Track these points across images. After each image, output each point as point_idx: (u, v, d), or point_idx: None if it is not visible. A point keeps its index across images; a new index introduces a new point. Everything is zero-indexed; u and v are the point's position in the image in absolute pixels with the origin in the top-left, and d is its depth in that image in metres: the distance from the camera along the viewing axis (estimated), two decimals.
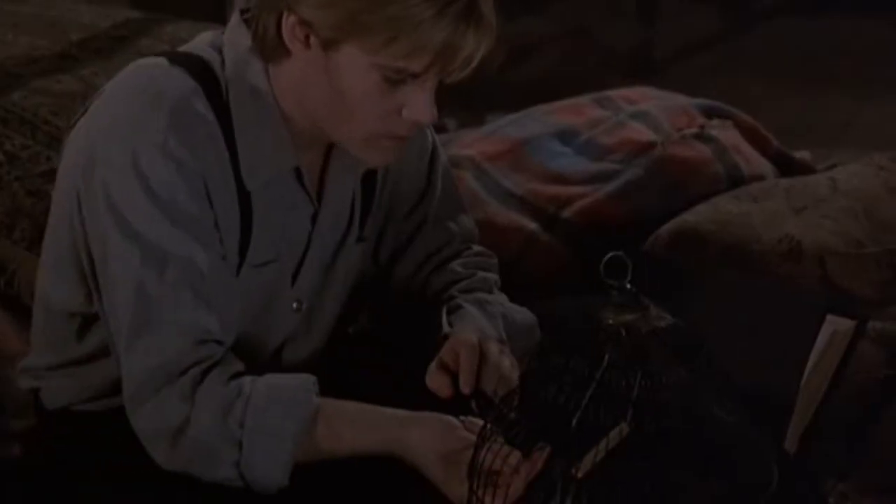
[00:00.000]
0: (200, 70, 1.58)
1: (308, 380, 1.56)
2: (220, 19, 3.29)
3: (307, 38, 1.52)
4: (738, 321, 2.00)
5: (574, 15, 4.55)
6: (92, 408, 1.69)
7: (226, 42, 1.60)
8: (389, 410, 1.56)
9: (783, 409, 1.83)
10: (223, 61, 1.59)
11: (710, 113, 2.58)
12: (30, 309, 2.09)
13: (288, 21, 1.53)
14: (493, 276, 1.86)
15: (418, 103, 1.54)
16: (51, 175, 2.26)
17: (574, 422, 1.34)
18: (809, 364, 1.85)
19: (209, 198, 1.56)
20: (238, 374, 1.56)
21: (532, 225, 2.32)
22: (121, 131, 1.54)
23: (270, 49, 1.56)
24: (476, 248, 1.88)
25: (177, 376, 1.53)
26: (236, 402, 1.53)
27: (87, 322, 1.66)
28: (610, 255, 1.40)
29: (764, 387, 1.82)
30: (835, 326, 1.85)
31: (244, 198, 1.60)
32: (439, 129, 2.27)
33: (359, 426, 1.55)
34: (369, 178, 1.73)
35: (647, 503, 1.37)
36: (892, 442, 1.84)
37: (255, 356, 1.64)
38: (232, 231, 1.60)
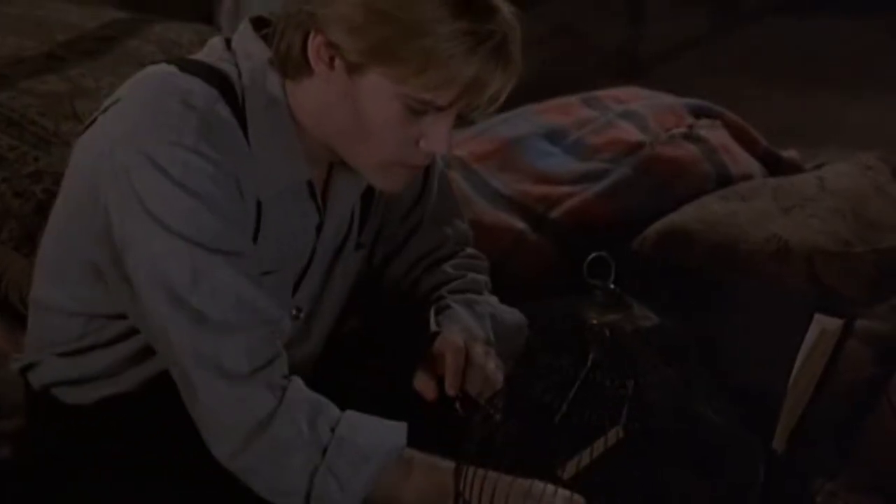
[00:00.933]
0: (217, 79, 1.56)
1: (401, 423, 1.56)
2: (208, 20, 3.29)
3: (332, 59, 1.52)
4: (726, 321, 2.00)
5: (563, 15, 4.56)
6: (79, 397, 1.68)
7: (238, 52, 1.59)
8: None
9: (771, 409, 1.84)
10: (239, 71, 1.58)
11: (698, 112, 2.58)
12: (16, 308, 2.10)
13: (314, 41, 1.52)
14: (484, 278, 1.86)
15: (437, 135, 1.54)
16: (38, 176, 2.26)
17: (556, 419, 1.34)
18: (797, 363, 1.85)
19: (241, 203, 1.55)
20: None
21: (520, 225, 2.32)
22: (149, 135, 1.51)
23: (293, 66, 1.55)
24: (469, 250, 1.88)
25: (255, 370, 1.51)
26: (329, 409, 1.52)
27: (89, 321, 1.64)
28: (593, 255, 1.40)
29: (752, 386, 1.82)
30: (823, 325, 1.85)
31: (258, 206, 1.59)
32: None
33: (421, 479, 1.53)
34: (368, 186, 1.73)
35: (634, 500, 1.38)
36: (879, 440, 1.85)
37: None
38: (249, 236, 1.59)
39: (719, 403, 1.46)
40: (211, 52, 1.62)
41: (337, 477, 1.50)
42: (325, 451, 1.50)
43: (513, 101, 2.62)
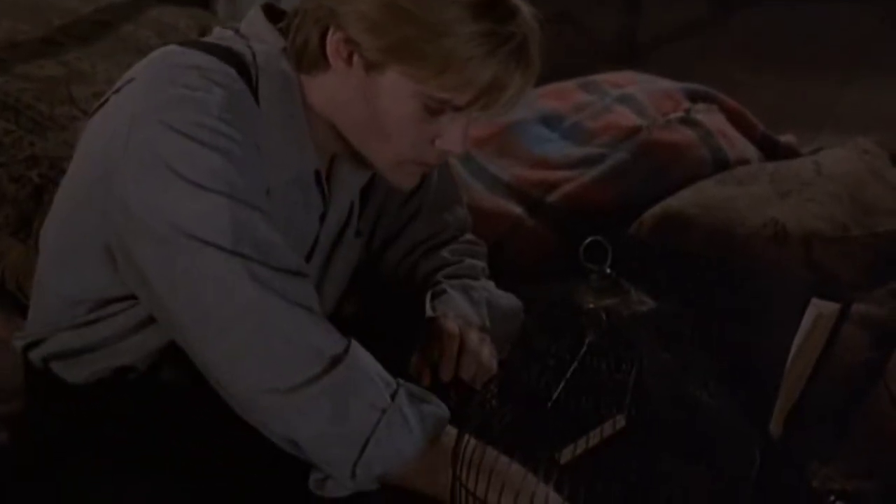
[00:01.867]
0: (232, 58, 1.54)
1: None
2: (205, 4, 3.29)
3: (351, 56, 1.51)
4: (723, 305, 2.00)
5: (560, 1, 4.55)
6: (79, 373, 1.67)
7: (251, 36, 1.58)
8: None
9: (768, 393, 1.84)
10: (253, 53, 1.56)
11: (695, 97, 2.58)
12: (13, 294, 2.10)
13: (333, 37, 1.51)
14: (481, 264, 1.86)
15: (453, 135, 1.54)
16: (34, 161, 2.26)
17: (550, 404, 1.34)
18: (794, 347, 1.85)
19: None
20: None
21: (517, 209, 2.33)
22: (171, 107, 1.47)
23: (309, 61, 1.55)
24: (468, 236, 1.89)
25: (316, 310, 1.48)
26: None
27: (95, 305, 1.62)
28: (589, 239, 1.40)
29: (749, 370, 1.82)
30: (819, 310, 1.85)
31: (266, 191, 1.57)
32: None
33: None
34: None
35: (630, 488, 1.38)
36: (876, 425, 1.85)
37: None
38: None
39: (716, 388, 1.46)
40: (220, 35, 1.61)
41: (404, 417, 1.46)
42: (395, 394, 1.47)
43: None
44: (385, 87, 1.51)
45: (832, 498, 1.66)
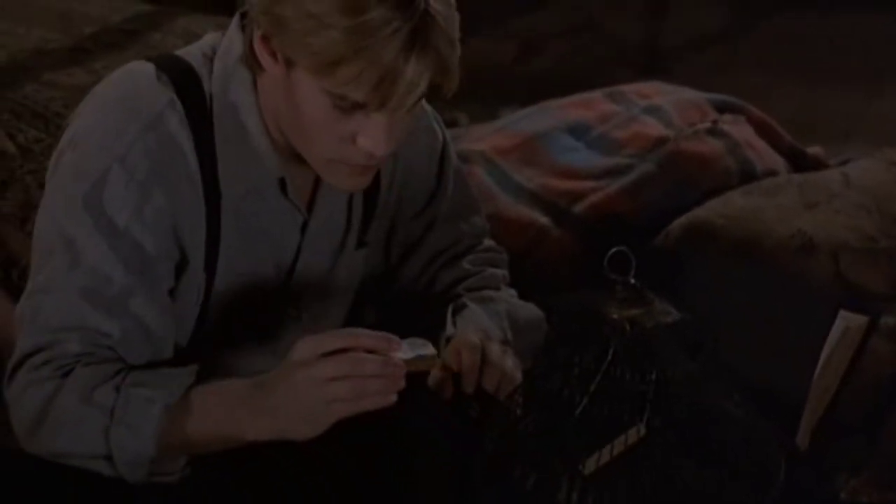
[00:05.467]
0: (185, 81, 1.58)
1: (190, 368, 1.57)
2: (231, 11, 3.29)
3: (274, 54, 1.51)
4: (751, 316, 2.00)
5: (584, 9, 4.55)
6: None
7: (222, 47, 1.60)
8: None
9: (795, 405, 1.83)
10: (212, 71, 1.59)
11: (722, 108, 2.58)
12: None
13: (257, 35, 1.51)
14: (502, 272, 1.85)
15: (369, 133, 1.51)
16: None
17: (577, 413, 1.34)
18: (822, 359, 1.85)
19: (173, 216, 1.57)
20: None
21: (543, 219, 2.32)
22: (86, 137, 1.56)
23: (255, 62, 1.55)
24: (487, 242, 1.87)
25: (50, 362, 1.54)
26: (113, 377, 1.53)
27: None
28: (614, 249, 1.40)
29: (776, 382, 1.82)
30: (847, 322, 1.84)
31: (214, 210, 1.60)
32: (450, 123, 2.27)
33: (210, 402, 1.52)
34: (373, 183, 1.69)
35: (653, 497, 1.37)
36: None
37: (264, 364, 1.64)
38: (198, 244, 1.60)
39: (739, 398, 1.46)
40: (202, 44, 1.62)
41: (128, 426, 1.51)
42: (112, 410, 1.51)
43: (534, 96, 2.64)
44: (299, 85, 1.50)
45: None
